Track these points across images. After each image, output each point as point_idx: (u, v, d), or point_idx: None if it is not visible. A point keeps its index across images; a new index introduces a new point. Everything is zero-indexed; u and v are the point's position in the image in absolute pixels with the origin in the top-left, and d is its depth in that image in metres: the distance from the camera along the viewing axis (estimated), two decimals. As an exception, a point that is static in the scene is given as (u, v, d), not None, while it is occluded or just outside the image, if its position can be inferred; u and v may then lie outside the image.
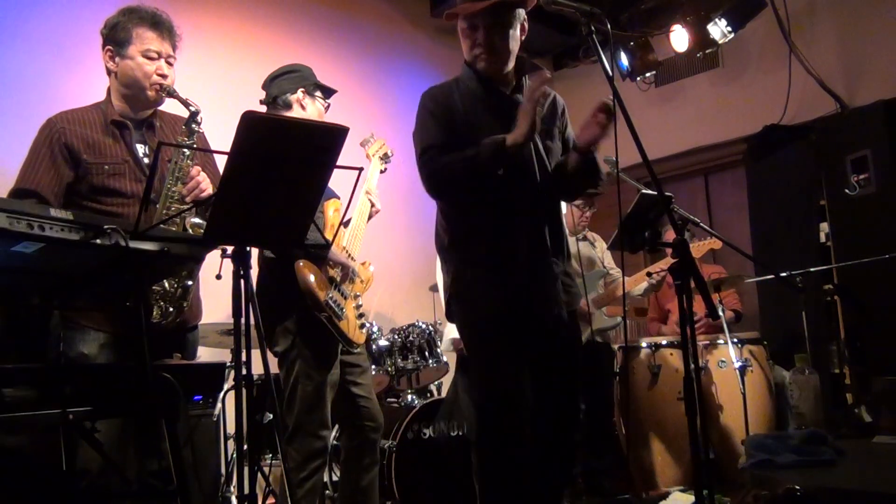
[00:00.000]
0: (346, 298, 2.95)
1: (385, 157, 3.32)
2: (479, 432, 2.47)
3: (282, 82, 3.00)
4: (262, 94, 3.04)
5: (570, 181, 2.49)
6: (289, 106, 2.97)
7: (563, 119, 2.59)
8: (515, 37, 2.43)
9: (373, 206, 3.16)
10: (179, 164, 2.40)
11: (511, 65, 2.46)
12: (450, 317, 2.55)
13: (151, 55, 2.47)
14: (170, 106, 2.58)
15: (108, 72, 2.51)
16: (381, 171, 3.30)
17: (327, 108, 3.08)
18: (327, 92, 3.09)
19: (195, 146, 2.44)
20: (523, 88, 2.46)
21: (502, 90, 2.47)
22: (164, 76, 2.49)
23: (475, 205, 2.42)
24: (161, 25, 2.50)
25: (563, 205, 3.73)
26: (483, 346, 2.42)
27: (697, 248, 3.90)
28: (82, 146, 2.39)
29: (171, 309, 2.38)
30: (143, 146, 2.50)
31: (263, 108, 3.01)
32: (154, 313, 2.35)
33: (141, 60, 2.46)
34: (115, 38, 2.48)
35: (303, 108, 2.98)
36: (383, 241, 4.47)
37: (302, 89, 2.99)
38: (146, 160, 2.47)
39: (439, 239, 2.55)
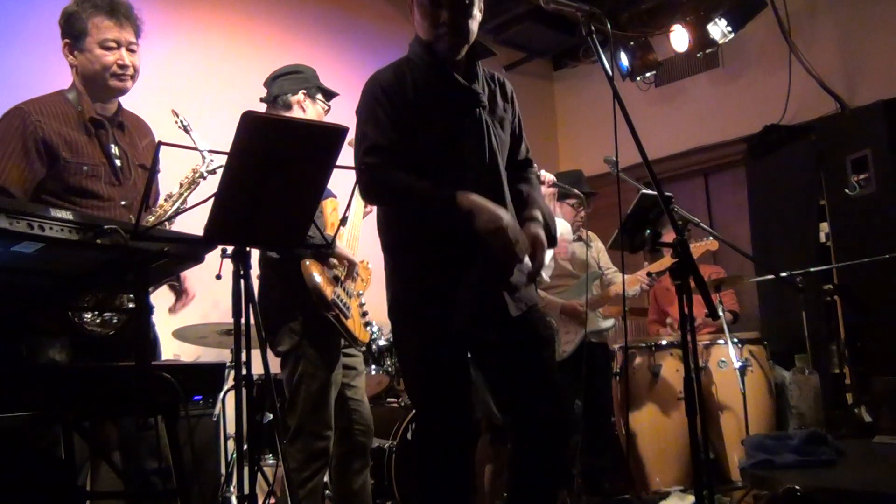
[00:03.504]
0: (350, 297, 2.95)
1: None
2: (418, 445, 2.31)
3: (284, 82, 2.97)
4: (263, 94, 3.03)
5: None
6: (289, 107, 2.94)
7: (513, 107, 2.41)
8: (476, 17, 2.29)
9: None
10: (184, 194, 2.38)
11: (467, 47, 2.31)
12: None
13: (110, 45, 2.32)
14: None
15: (70, 65, 2.38)
16: None
17: (327, 111, 3.04)
18: (329, 95, 3.06)
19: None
20: (477, 75, 2.32)
21: (457, 77, 2.28)
22: (124, 66, 2.35)
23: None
24: (117, 11, 2.34)
25: (555, 204, 3.71)
26: (422, 355, 2.23)
27: (695, 249, 3.86)
28: (60, 142, 2.27)
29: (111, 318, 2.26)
30: (114, 146, 2.41)
31: (263, 106, 2.99)
32: (88, 317, 2.22)
33: (99, 52, 2.32)
34: (72, 30, 2.33)
35: (303, 109, 2.95)
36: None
37: (303, 91, 2.95)
38: (118, 162, 2.39)
39: (383, 236, 2.36)
